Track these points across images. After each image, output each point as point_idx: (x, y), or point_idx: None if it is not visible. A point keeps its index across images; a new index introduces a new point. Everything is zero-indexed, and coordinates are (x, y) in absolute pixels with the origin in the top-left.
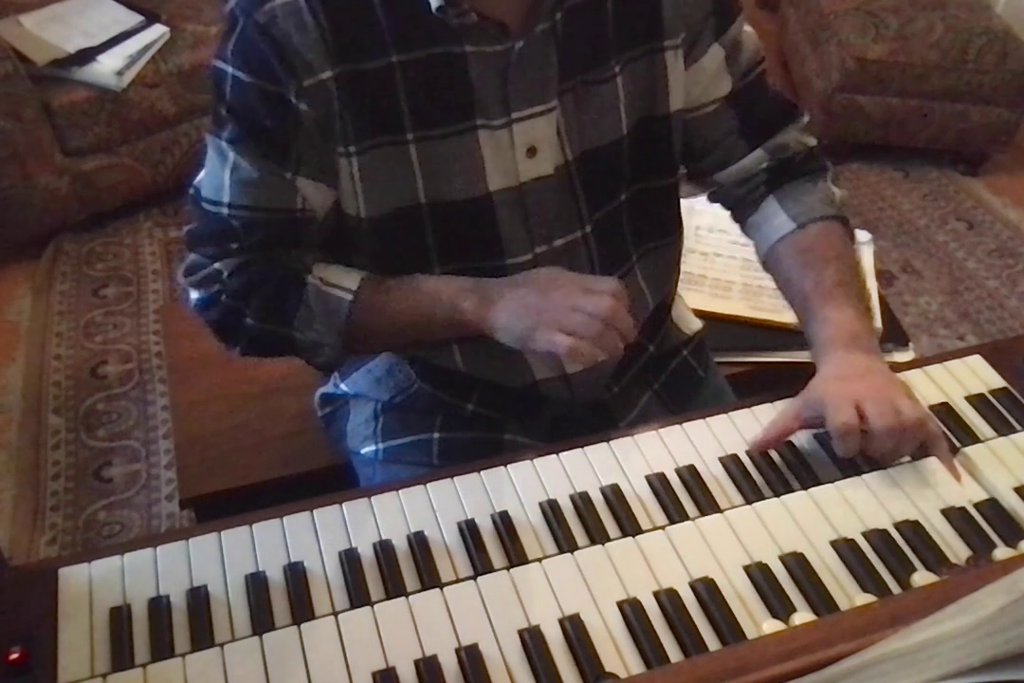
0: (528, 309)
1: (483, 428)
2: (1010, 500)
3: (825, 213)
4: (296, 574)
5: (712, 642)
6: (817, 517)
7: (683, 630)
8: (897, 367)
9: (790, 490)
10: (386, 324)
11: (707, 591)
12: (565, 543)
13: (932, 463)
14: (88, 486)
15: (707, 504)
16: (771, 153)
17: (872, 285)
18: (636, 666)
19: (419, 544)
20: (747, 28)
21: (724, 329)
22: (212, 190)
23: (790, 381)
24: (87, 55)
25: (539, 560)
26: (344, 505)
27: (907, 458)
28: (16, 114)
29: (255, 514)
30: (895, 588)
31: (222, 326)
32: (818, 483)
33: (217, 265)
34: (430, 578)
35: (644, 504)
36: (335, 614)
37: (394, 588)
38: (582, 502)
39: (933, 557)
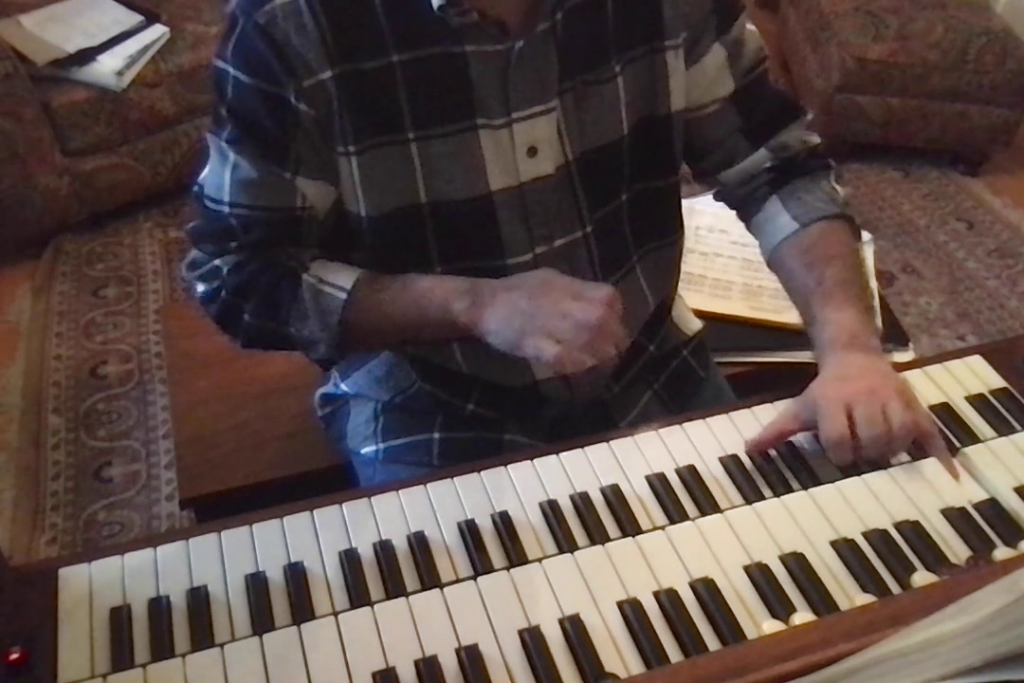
0: (518, 314)
1: (483, 428)
2: (1010, 500)
3: (828, 212)
4: (296, 574)
5: (712, 642)
6: (817, 517)
7: (683, 630)
8: (897, 367)
9: (790, 490)
10: (380, 323)
11: (707, 591)
12: (565, 543)
13: (932, 463)
14: (88, 486)
15: (707, 504)
16: (774, 152)
17: (872, 285)
18: (636, 666)
19: (419, 544)
20: (750, 27)
21: (724, 329)
22: (214, 188)
23: (790, 381)
24: (87, 55)
25: (539, 560)
26: (344, 505)
27: (907, 458)
28: (16, 114)
29: (255, 514)
30: (895, 588)
31: (222, 320)
32: (818, 483)
33: (217, 262)
34: (430, 578)
35: (644, 504)
36: (335, 614)
37: (394, 588)
38: (582, 502)
39: (933, 557)
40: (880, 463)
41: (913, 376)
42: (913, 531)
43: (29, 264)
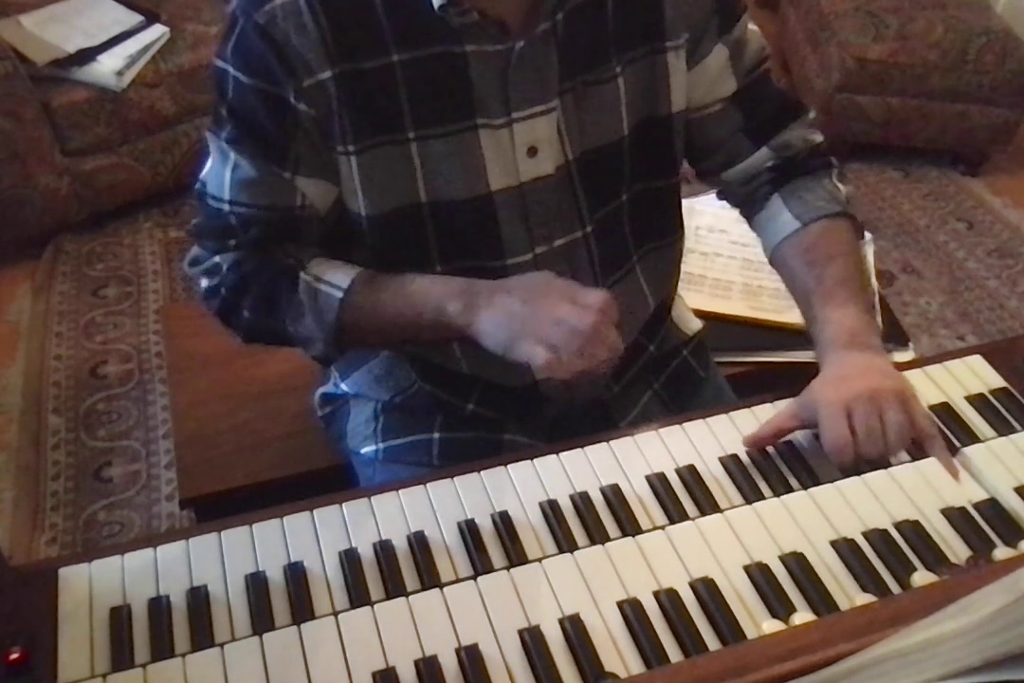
0: (512, 318)
1: (483, 428)
2: (1010, 500)
3: (829, 211)
4: (296, 574)
5: (712, 642)
6: (817, 517)
7: (683, 630)
8: (897, 367)
9: (790, 490)
10: (376, 323)
11: (707, 591)
12: (565, 543)
13: (932, 463)
14: (88, 486)
15: (707, 504)
16: (776, 151)
17: (872, 285)
18: (636, 666)
19: (419, 544)
20: (752, 26)
21: (724, 329)
22: (215, 186)
23: (790, 381)
24: (87, 55)
25: (539, 560)
26: (344, 505)
27: (907, 458)
28: (16, 114)
29: (255, 514)
30: (895, 588)
31: (223, 315)
32: (818, 483)
33: (217, 258)
34: (430, 578)
35: (644, 504)
36: (335, 614)
37: (394, 588)
38: (582, 502)
39: (933, 557)
40: (880, 463)
41: (913, 376)
42: (913, 531)
43: (29, 264)
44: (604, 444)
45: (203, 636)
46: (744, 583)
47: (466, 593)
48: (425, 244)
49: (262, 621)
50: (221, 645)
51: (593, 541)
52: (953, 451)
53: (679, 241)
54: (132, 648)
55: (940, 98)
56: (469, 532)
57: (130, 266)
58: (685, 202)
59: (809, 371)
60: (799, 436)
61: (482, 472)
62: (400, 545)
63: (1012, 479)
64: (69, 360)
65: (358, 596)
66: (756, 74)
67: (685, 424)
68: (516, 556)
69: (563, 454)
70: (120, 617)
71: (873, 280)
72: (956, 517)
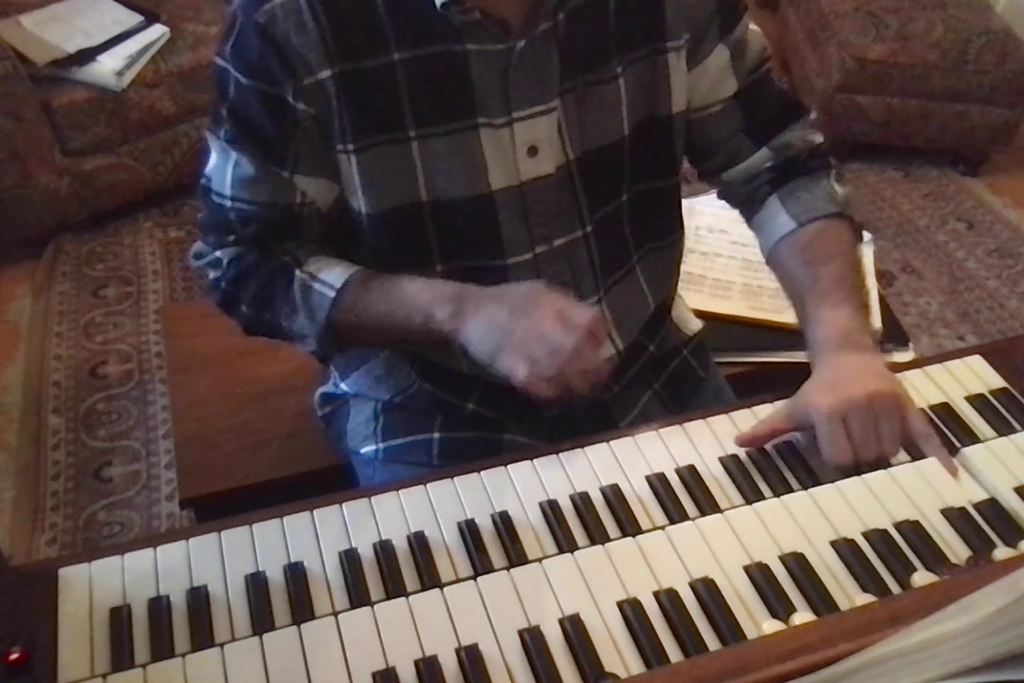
0: (497, 329)
1: (483, 428)
2: (1010, 500)
3: (827, 211)
4: (296, 574)
5: (712, 642)
6: (817, 517)
7: (683, 630)
8: (897, 367)
9: (790, 490)
10: (367, 324)
11: (707, 591)
12: (565, 543)
13: (932, 463)
14: (88, 486)
15: (707, 504)
16: (776, 151)
17: (872, 285)
18: (636, 666)
19: (419, 544)
20: (753, 27)
21: (724, 329)
22: (218, 182)
23: (790, 381)
24: (87, 55)
25: (539, 560)
26: (344, 505)
27: (907, 458)
28: (16, 114)
29: (255, 514)
30: (895, 588)
31: (224, 308)
32: (818, 483)
33: (218, 253)
34: (430, 578)
35: (644, 504)
36: (335, 614)
37: (394, 588)
38: (582, 502)
39: (933, 557)
40: (880, 463)
41: (913, 376)
42: (913, 531)
43: (29, 264)
44: (604, 444)
45: (203, 636)
46: (744, 583)
47: (466, 593)
48: (425, 243)
49: (262, 621)
50: (221, 645)
51: (593, 541)
52: (953, 451)
53: (679, 241)
54: (132, 648)
55: (940, 98)
56: (469, 532)
57: (130, 266)
58: (685, 202)
59: (809, 371)
60: (799, 436)
61: (482, 472)
62: (400, 545)
63: (1012, 479)
64: (69, 360)
65: (358, 596)
66: (757, 74)
67: (685, 424)
68: (516, 556)
69: (563, 454)
70: (120, 617)
71: (873, 280)
72: (956, 517)
